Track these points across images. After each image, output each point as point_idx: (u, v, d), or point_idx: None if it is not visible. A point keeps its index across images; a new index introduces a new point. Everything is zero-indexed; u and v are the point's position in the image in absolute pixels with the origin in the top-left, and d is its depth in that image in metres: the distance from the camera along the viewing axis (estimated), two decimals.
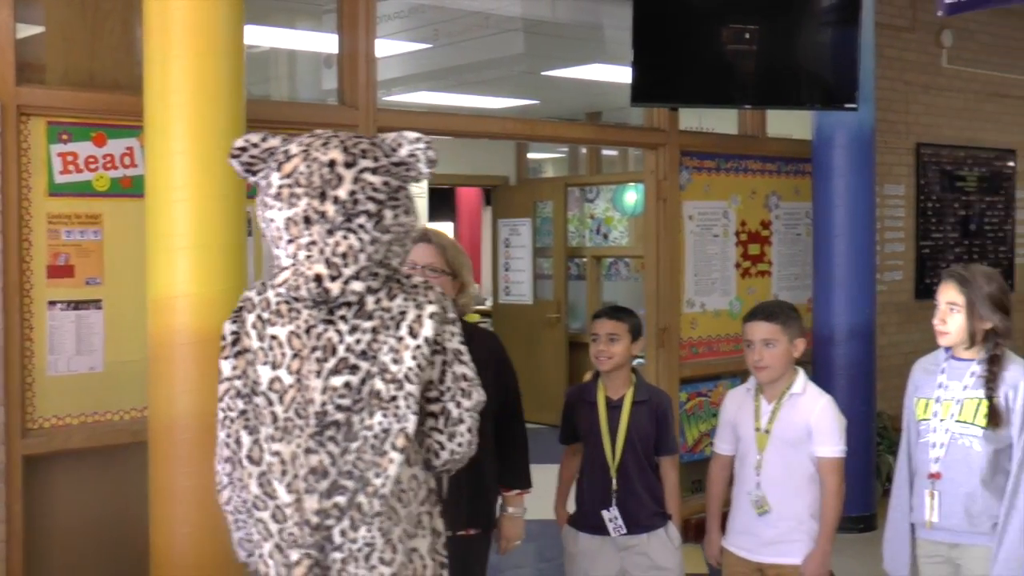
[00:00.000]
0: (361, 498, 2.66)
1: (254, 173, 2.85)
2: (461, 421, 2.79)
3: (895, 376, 8.20)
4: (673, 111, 7.14)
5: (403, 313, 2.71)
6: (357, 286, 2.69)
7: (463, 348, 2.81)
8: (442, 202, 16.64)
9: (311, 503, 2.68)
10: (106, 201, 4.92)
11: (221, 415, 2.85)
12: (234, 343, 2.82)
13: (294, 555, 2.69)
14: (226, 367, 2.82)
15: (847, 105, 6.78)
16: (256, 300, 2.80)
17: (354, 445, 2.67)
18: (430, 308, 2.72)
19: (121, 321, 4.92)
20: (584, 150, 12.32)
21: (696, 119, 7.79)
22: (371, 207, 2.70)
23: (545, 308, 11.43)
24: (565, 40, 8.68)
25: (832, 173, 7.25)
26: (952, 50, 8.86)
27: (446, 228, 19.30)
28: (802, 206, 7.84)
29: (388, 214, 2.73)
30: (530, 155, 13.15)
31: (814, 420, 4.21)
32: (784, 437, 4.22)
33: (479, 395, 2.82)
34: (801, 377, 4.31)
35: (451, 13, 7.93)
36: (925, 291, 8.68)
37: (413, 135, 2.79)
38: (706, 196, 7.37)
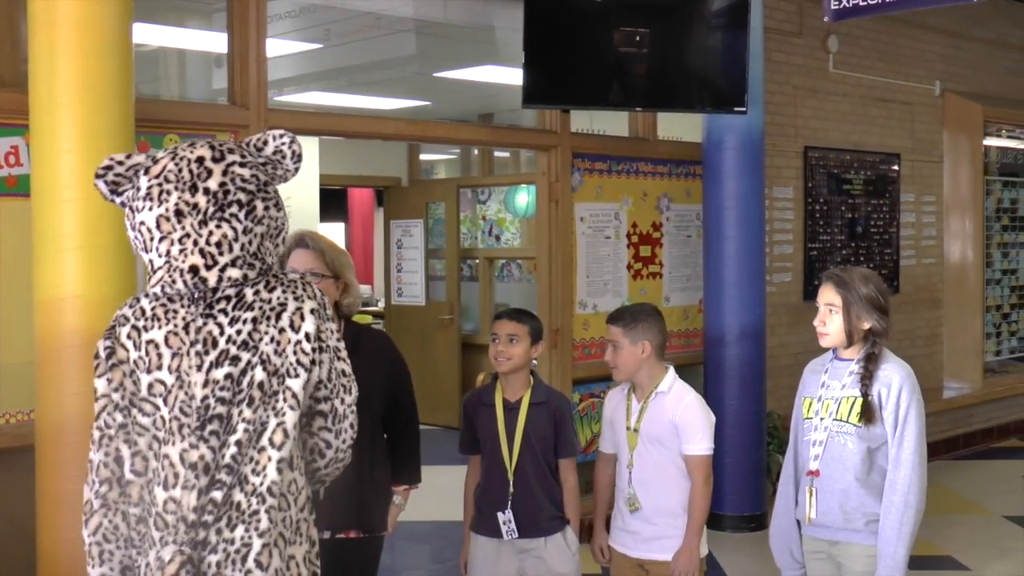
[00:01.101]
0: (239, 496, 2.60)
1: (120, 193, 2.80)
2: (345, 417, 2.81)
3: (785, 376, 8.36)
4: (565, 113, 7.18)
5: (283, 304, 2.69)
6: (234, 273, 2.68)
7: (340, 345, 2.80)
8: (334, 203, 16.52)
9: (189, 499, 2.61)
10: None
11: (97, 434, 2.75)
12: (108, 358, 2.75)
13: (167, 553, 2.60)
14: (101, 384, 2.75)
15: (736, 108, 6.88)
16: (128, 313, 2.76)
17: (233, 439, 2.62)
18: (310, 303, 2.71)
19: (7, 323, 4.80)
20: (476, 151, 12.33)
21: (587, 121, 7.84)
22: (242, 197, 2.70)
23: (438, 309, 11.41)
24: (457, 41, 8.69)
25: (722, 175, 7.34)
26: (838, 55, 9.04)
27: (338, 229, 19.19)
28: (693, 208, 7.93)
29: (259, 205, 2.73)
30: (422, 156, 13.12)
31: (679, 418, 4.30)
32: (651, 435, 4.31)
33: (356, 389, 2.84)
34: (669, 376, 4.38)
35: (342, 13, 7.87)
36: (814, 292, 8.78)
37: (278, 131, 2.82)
38: (598, 198, 7.41)
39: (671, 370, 4.40)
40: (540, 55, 6.38)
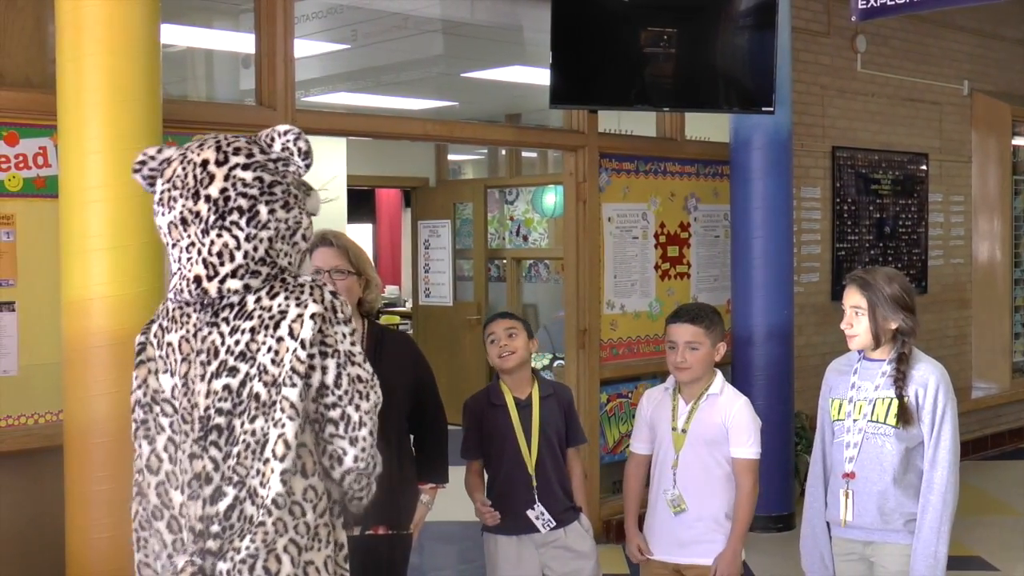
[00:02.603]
0: (251, 509, 2.61)
1: (154, 185, 2.82)
2: (362, 424, 2.70)
3: (812, 376, 8.30)
4: (592, 113, 7.17)
5: (283, 312, 2.65)
6: (234, 284, 2.66)
7: (355, 350, 2.72)
8: (362, 203, 16.56)
9: (195, 509, 2.65)
10: (19, 201, 4.82)
11: (132, 427, 2.82)
12: (138, 354, 2.81)
13: (180, 561, 2.66)
14: (133, 379, 2.81)
15: (764, 108, 6.85)
16: (160, 311, 2.80)
17: (235, 450, 2.63)
18: (312, 308, 2.65)
19: (35, 324, 4.83)
20: (504, 152, 12.33)
21: (615, 121, 7.82)
22: (243, 203, 2.66)
23: (465, 310, 11.42)
24: (484, 42, 8.69)
25: (750, 176, 7.32)
26: (866, 55, 9.00)
27: (365, 230, 19.22)
28: (721, 208, 7.91)
29: (263, 210, 2.68)
30: (450, 157, 13.14)
31: (731, 421, 4.26)
32: (701, 437, 4.26)
33: (376, 396, 2.74)
34: (719, 378, 4.37)
35: (370, 14, 7.89)
36: (842, 292, 8.77)
37: (283, 127, 2.80)
38: (625, 198, 7.40)
39: (719, 373, 4.39)
40: (567, 55, 6.38)
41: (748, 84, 6.92)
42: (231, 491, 2.62)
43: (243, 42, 6.61)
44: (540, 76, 6.84)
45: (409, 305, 13.66)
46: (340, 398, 2.67)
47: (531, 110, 10.55)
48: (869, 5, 6.90)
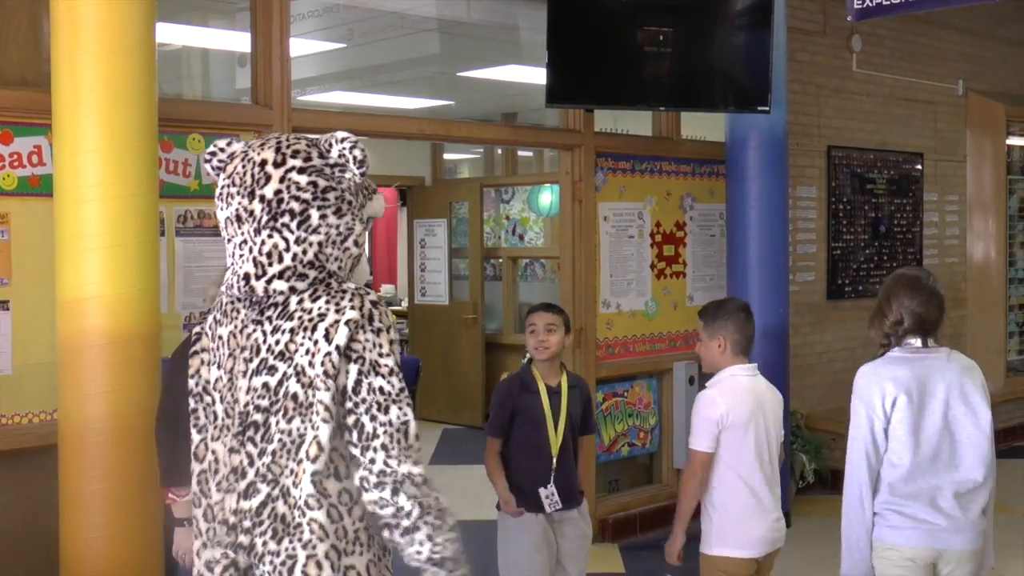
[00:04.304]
0: (283, 508, 2.63)
1: (224, 171, 2.87)
2: (375, 437, 2.63)
3: (808, 376, 8.35)
4: (588, 112, 7.17)
5: (322, 316, 2.65)
6: (280, 286, 2.69)
7: (388, 361, 2.66)
8: None
9: (230, 502, 2.69)
10: (13, 200, 4.82)
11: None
12: (194, 343, 2.87)
13: (216, 553, 2.71)
14: (188, 367, 2.87)
15: (760, 108, 6.86)
16: (217, 302, 2.85)
17: (270, 448, 2.65)
18: (349, 315, 2.64)
19: (30, 323, 4.83)
20: (500, 151, 12.32)
21: (611, 121, 7.82)
22: (295, 206, 2.69)
23: (461, 309, 11.41)
24: (481, 41, 8.68)
25: (746, 175, 7.32)
26: (861, 55, 9.00)
27: None
28: (716, 207, 7.91)
29: (314, 214, 2.70)
30: (446, 156, 13.13)
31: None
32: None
33: (398, 412, 2.65)
34: (722, 373, 4.51)
35: (366, 13, 7.88)
36: (837, 292, 8.82)
37: (341, 134, 2.79)
38: (621, 197, 7.41)
39: (732, 368, 4.48)
40: (563, 55, 6.38)
41: (744, 83, 6.93)
42: (264, 488, 2.64)
43: (239, 41, 6.60)
44: (536, 75, 6.84)
45: (405, 304, 13.65)
46: (356, 405, 2.65)
47: (527, 109, 10.54)
48: (865, 5, 6.89)
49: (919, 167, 9.68)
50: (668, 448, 7.72)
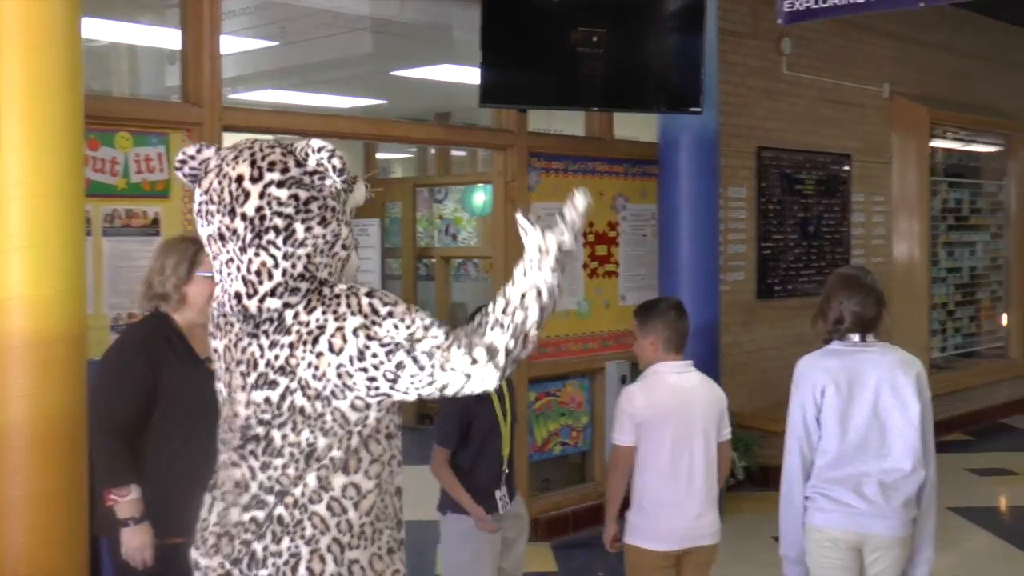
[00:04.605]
0: (280, 510, 2.64)
1: (197, 183, 2.80)
2: (468, 376, 2.58)
3: (739, 374, 8.42)
4: (521, 112, 7.18)
5: (321, 328, 2.62)
6: (273, 303, 2.65)
7: (415, 326, 2.60)
8: None
9: (233, 515, 2.69)
10: None
11: None
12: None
13: (214, 563, 2.71)
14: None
15: (692, 109, 6.91)
16: (209, 314, 2.84)
17: (278, 462, 2.65)
18: (352, 322, 2.60)
19: None
20: (433, 151, 12.31)
21: (544, 121, 7.84)
22: (279, 222, 2.64)
23: None
24: (414, 40, 8.65)
25: (677, 175, 7.37)
26: (791, 57, 9.10)
27: None
28: (648, 208, 7.95)
29: (299, 228, 2.66)
30: (379, 155, 13.09)
31: None
32: None
33: (462, 349, 2.57)
34: (649, 369, 4.57)
35: (298, 11, 7.83)
36: (767, 291, 8.90)
37: (316, 143, 2.73)
38: (554, 197, 7.41)
39: (660, 364, 4.52)
40: (497, 54, 6.38)
41: (676, 84, 6.98)
42: (271, 499, 2.65)
43: (169, 38, 6.53)
44: (470, 75, 6.83)
45: None
46: (432, 373, 2.59)
47: (461, 109, 10.53)
48: (795, 8, 6.98)
49: (847, 168, 9.81)
50: (600, 447, 7.74)
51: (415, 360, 2.59)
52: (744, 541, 6.82)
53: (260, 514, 2.65)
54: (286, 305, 2.65)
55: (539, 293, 2.67)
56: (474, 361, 2.56)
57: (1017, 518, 8.12)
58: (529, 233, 2.78)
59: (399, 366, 2.59)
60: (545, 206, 7.35)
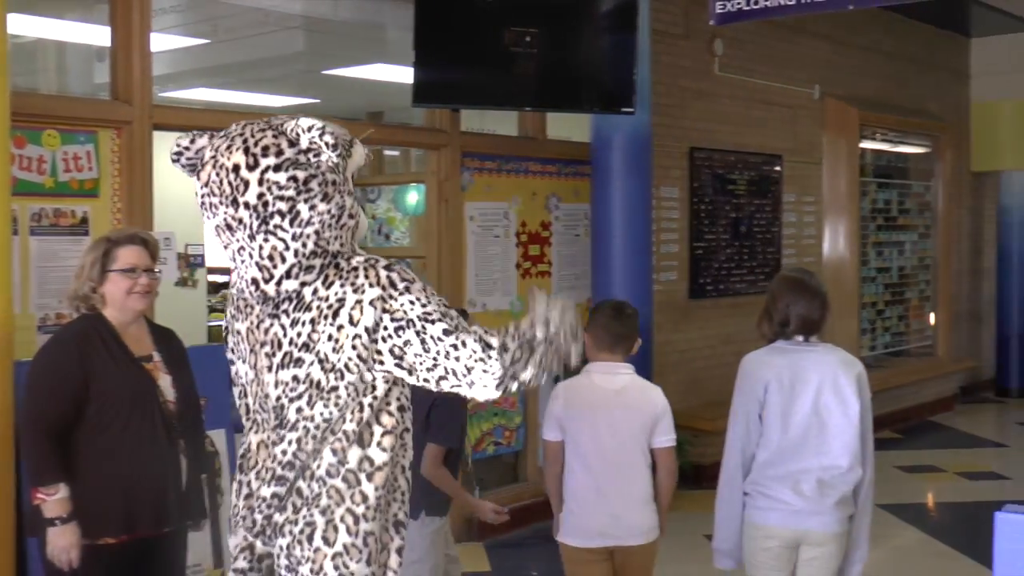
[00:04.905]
0: (301, 483, 2.73)
1: (195, 173, 2.86)
2: (469, 370, 2.69)
3: (671, 373, 8.46)
4: (455, 112, 7.18)
5: (341, 301, 2.68)
6: (290, 284, 2.72)
7: (430, 308, 2.70)
8: None
9: (264, 491, 2.78)
10: None
11: None
12: (226, 334, 2.94)
13: (238, 538, 2.84)
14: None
15: (624, 109, 6.95)
16: (229, 297, 2.91)
17: (293, 436, 2.72)
18: (370, 293, 2.67)
19: None
20: (366, 150, 12.24)
21: (478, 120, 7.84)
22: (282, 206, 2.69)
23: None
24: (347, 39, 8.62)
25: (610, 175, 7.40)
26: (724, 58, 9.17)
27: None
28: (581, 207, 7.98)
29: (303, 208, 2.71)
30: None
31: None
32: None
33: (473, 341, 2.70)
34: (584, 369, 4.56)
35: (229, 8, 7.76)
36: (699, 291, 8.96)
37: (306, 123, 2.78)
38: (487, 197, 7.42)
39: (592, 364, 4.51)
40: (430, 54, 6.37)
41: (609, 85, 7.01)
42: (290, 475, 2.74)
43: (98, 34, 6.45)
44: (403, 74, 6.81)
45: None
46: (436, 357, 2.68)
47: (394, 108, 10.47)
48: (726, 9, 7.03)
49: (778, 169, 9.90)
50: (533, 447, 7.75)
51: (422, 341, 2.67)
52: (676, 539, 6.85)
53: (281, 489, 2.74)
54: (303, 284, 2.71)
55: (548, 342, 2.76)
56: (485, 348, 2.66)
57: (944, 514, 8.26)
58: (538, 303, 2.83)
59: (406, 344, 2.67)
60: (478, 206, 7.37)
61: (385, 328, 2.67)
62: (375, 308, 2.67)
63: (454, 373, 2.70)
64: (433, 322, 2.68)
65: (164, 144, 6.67)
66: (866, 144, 11.01)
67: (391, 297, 2.68)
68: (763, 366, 4.16)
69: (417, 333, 2.67)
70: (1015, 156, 12.95)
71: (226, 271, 17.93)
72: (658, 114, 8.11)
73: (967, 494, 8.73)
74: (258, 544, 2.80)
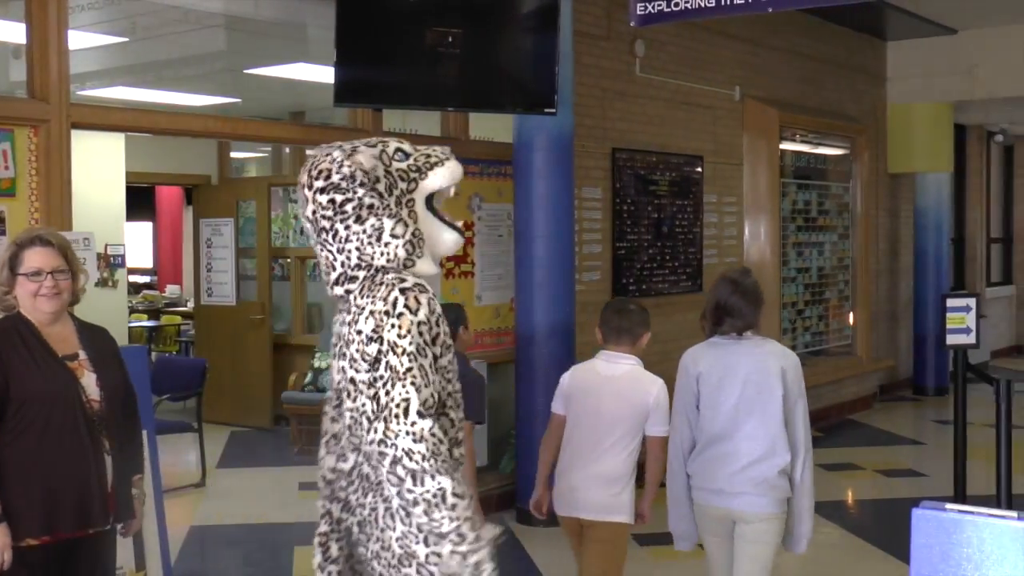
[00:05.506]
0: (366, 468, 3.04)
1: None
2: (381, 411, 2.91)
3: None
4: (377, 112, 7.17)
5: (361, 308, 3.01)
6: (338, 291, 3.11)
7: (402, 341, 2.93)
8: (141, 201, 16.11)
9: (329, 462, 3.18)
10: None
11: None
12: None
13: (319, 503, 3.20)
14: None
15: (546, 110, 6.97)
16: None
17: (346, 421, 3.07)
18: (376, 306, 2.97)
19: None
20: (288, 150, 12.19)
21: (400, 120, 7.84)
22: (326, 224, 3.08)
23: (249, 309, 11.24)
24: (268, 38, 8.58)
25: (532, 176, 7.43)
26: (645, 59, 9.24)
27: (145, 228, 18.69)
28: (504, 207, 8.00)
29: (340, 228, 3.07)
30: (233, 154, 12.91)
31: None
32: None
33: (403, 389, 2.89)
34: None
35: (149, 6, 7.70)
36: (622, 291, 9.02)
37: (392, 146, 3.15)
38: None
39: (600, 352, 4.97)
40: (352, 53, 6.36)
41: (531, 85, 7.03)
42: (352, 455, 3.09)
43: (13, 31, 6.36)
44: (325, 74, 6.80)
45: (191, 305, 13.36)
46: (375, 380, 2.95)
47: (316, 108, 10.46)
48: (647, 11, 7.08)
49: (699, 169, 9.99)
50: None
51: (376, 360, 2.96)
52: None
53: (344, 466, 3.11)
54: (347, 291, 3.09)
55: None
56: (422, 432, 2.88)
57: (863, 511, 8.39)
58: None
59: (364, 356, 2.97)
60: None
61: (361, 344, 2.97)
62: (375, 318, 2.96)
63: (376, 402, 2.93)
64: (395, 354, 2.92)
65: (82, 143, 6.61)
66: (786, 145, 11.16)
67: (387, 314, 2.95)
68: (697, 359, 4.57)
69: (379, 352, 2.94)
70: (929, 159, 13.21)
71: (147, 272, 17.78)
72: (580, 115, 8.16)
73: (885, 491, 8.89)
74: (335, 510, 3.15)
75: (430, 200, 3.19)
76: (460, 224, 3.33)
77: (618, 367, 4.85)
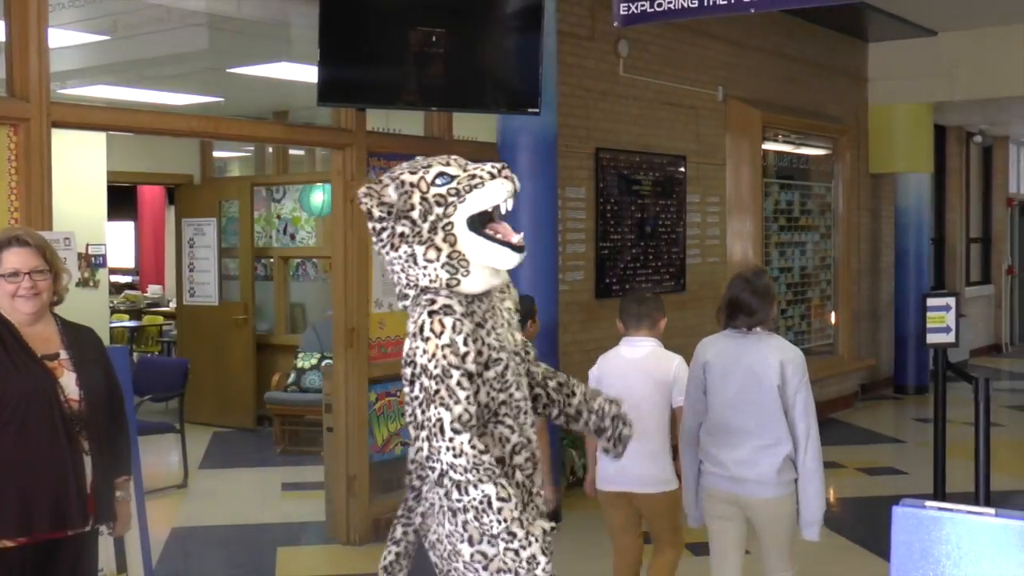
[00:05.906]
0: (434, 463, 3.16)
1: None
2: (422, 428, 3.12)
3: (578, 372, 8.48)
4: (360, 112, 7.16)
5: (409, 327, 3.24)
6: (398, 305, 3.39)
7: (428, 365, 3.12)
8: (123, 201, 16.06)
9: (411, 453, 3.42)
10: None
11: None
12: None
13: (407, 479, 3.51)
14: None
15: (530, 110, 6.98)
16: None
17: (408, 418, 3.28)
18: (410, 327, 3.20)
19: None
20: (271, 149, 12.17)
21: (384, 120, 7.82)
22: (377, 247, 3.33)
23: (232, 310, 11.22)
24: (251, 37, 8.55)
25: (516, 176, 7.41)
26: (628, 60, 9.25)
27: (127, 228, 18.64)
28: None
29: (382, 252, 3.31)
30: (215, 153, 12.87)
31: None
32: None
33: (435, 410, 3.09)
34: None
35: (130, 4, 7.67)
36: (606, 291, 9.03)
37: (431, 173, 3.28)
38: None
39: (623, 339, 5.40)
40: (335, 53, 6.35)
41: (515, 85, 7.04)
42: (425, 447, 3.17)
43: None
44: (308, 73, 6.78)
45: (173, 305, 13.32)
46: (414, 399, 3.15)
47: (299, 107, 10.44)
48: (630, 11, 7.08)
49: (682, 169, 10.01)
50: None
51: (411, 382, 3.15)
52: (582, 538, 6.92)
53: (421, 456, 3.17)
54: (404, 307, 3.34)
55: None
56: (449, 432, 3.08)
57: (845, 510, 8.41)
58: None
59: (415, 376, 3.15)
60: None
61: (406, 358, 3.19)
62: (409, 341, 3.18)
63: (414, 420, 3.16)
64: (428, 376, 3.12)
65: (62, 142, 6.58)
66: (768, 145, 11.20)
67: (416, 337, 3.16)
68: (707, 348, 4.84)
69: (413, 375, 3.15)
70: (909, 159, 13.28)
71: (129, 272, 17.69)
72: (564, 115, 8.17)
73: (866, 489, 8.92)
74: (410, 496, 3.48)
75: (476, 220, 3.28)
76: (518, 238, 3.41)
77: (641, 349, 5.29)
